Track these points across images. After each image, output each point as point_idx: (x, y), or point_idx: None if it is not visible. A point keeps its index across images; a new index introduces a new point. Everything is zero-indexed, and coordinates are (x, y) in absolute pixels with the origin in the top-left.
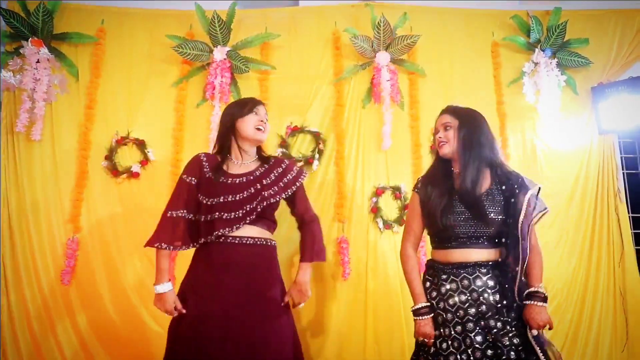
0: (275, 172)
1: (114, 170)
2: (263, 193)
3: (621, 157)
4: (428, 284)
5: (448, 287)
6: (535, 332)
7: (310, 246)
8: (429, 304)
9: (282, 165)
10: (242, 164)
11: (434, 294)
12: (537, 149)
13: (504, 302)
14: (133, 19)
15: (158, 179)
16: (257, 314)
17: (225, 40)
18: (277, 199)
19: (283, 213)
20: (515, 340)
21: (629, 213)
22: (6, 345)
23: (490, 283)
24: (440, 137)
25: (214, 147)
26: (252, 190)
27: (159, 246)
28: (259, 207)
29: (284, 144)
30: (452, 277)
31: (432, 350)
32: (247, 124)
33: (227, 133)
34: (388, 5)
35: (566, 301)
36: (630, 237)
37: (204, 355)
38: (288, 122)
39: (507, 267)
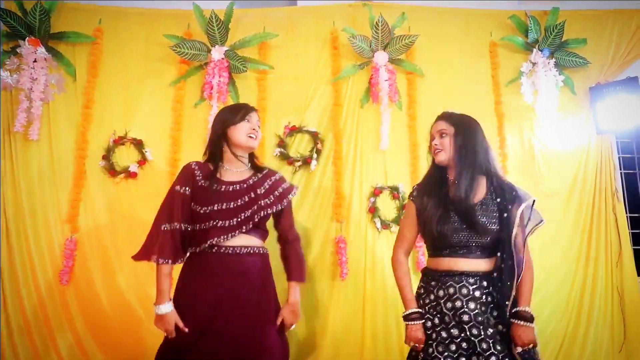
0: (268, 181)
1: (112, 170)
2: (259, 202)
3: (619, 157)
4: (422, 290)
5: (437, 294)
6: (519, 349)
7: (299, 266)
8: (419, 309)
9: (275, 176)
10: (235, 171)
11: (427, 300)
12: (535, 149)
13: (494, 313)
14: (130, 19)
15: (156, 178)
16: (251, 325)
17: (223, 39)
18: (274, 209)
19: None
20: (498, 347)
21: (626, 213)
22: (4, 345)
23: (477, 293)
24: (435, 145)
25: (204, 153)
26: (247, 199)
27: (164, 262)
28: (255, 216)
29: (282, 144)
30: (440, 284)
31: (420, 356)
32: (239, 132)
33: (219, 140)
34: (386, 5)
35: (564, 301)
36: (627, 236)
37: None
38: (286, 121)
39: (499, 280)
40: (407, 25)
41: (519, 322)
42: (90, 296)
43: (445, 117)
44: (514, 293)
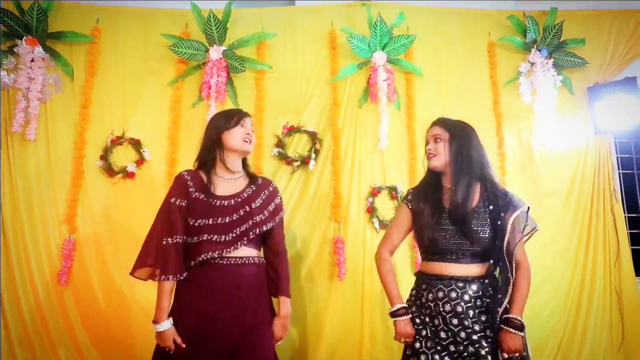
0: (263, 194)
1: (110, 170)
2: (255, 218)
3: (617, 157)
4: (414, 292)
5: (427, 297)
6: (505, 355)
7: (288, 281)
8: (405, 305)
9: (270, 187)
10: (228, 179)
11: (418, 302)
12: (534, 149)
13: (482, 317)
14: (128, 18)
15: (154, 179)
16: (248, 335)
17: (221, 39)
18: (269, 226)
19: None
20: (483, 351)
21: (624, 213)
22: (2, 344)
23: (465, 297)
24: (430, 149)
25: (196, 160)
26: (242, 213)
27: (167, 278)
28: (251, 233)
29: (280, 144)
30: (430, 287)
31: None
32: (233, 136)
33: (213, 146)
34: (384, 5)
35: (562, 301)
36: (626, 236)
37: None
38: (284, 121)
39: (490, 285)
40: (406, 25)
41: (508, 329)
42: (88, 296)
43: (440, 122)
44: (507, 300)
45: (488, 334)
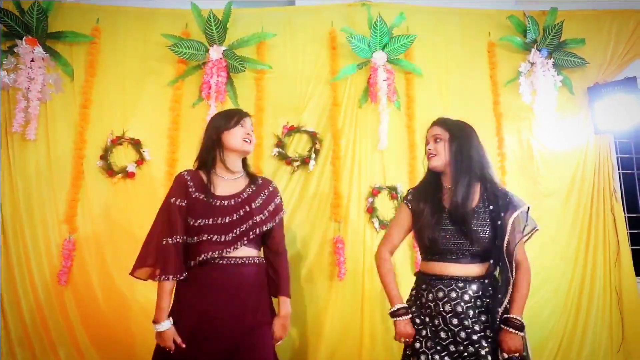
0: (263, 194)
1: (110, 170)
2: (255, 218)
3: (617, 157)
4: (414, 292)
5: (427, 297)
6: (505, 355)
7: (288, 281)
8: (405, 305)
9: (270, 187)
10: (228, 179)
11: (418, 302)
12: (534, 149)
13: (482, 317)
14: (128, 18)
15: (154, 179)
16: (248, 335)
17: (221, 39)
18: (269, 226)
19: None
20: (483, 352)
21: (624, 213)
22: (2, 344)
23: (465, 297)
24: (429, 149)
25: (195, 161)
26: (242, 213)
27: (167, 278)
28: (251, 233)
29: (280, 144)
30: (430, 287)
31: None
32: (233, 136)
33: (213, 146)
34: (384, 5)
35: (562, 301)
36: (626, 236)
37: None
38: (284, 121)
39: (490, 285)
40: (406, 25)
41: (508, 329)
42: (88, 296)
43: (440, 122)
44: (507, 300)
45: (488, 334)
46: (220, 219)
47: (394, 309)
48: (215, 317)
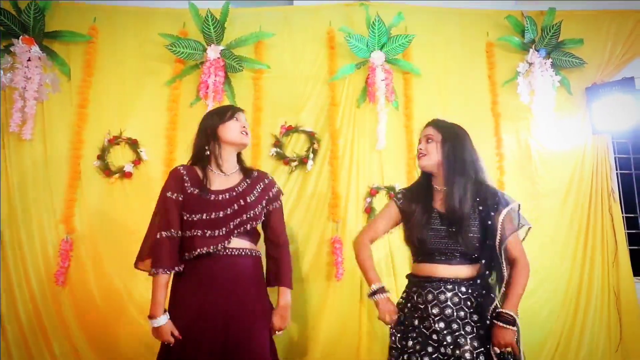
0: (258, 187)
1: (107, 170)
2: (249, 212)
3: (615, 158)
4: (405, 294)
5: (417, 300)
6: (497, 350)
7: (289, 272)
8: (383, 284)
9: (265, 180)
10: (223, 175)
11: (408, 304)
12: (532, 149)
13: (474, 317)
14: (125, 17)
15: (151, 179)
16: (244, 327)
17: (219, 38)
18: (263, 219)
19: None
20: (475, 344)
21: (622, 213)
22: None
23: (455, 299)
24: (420, 149)
25: (190, 159)
26: (236, 207)
27: (163, 272)
28: (244, 226)
29: (278, 144)
30: (419, 290)
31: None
32: (230, 129)
33: (208, 141)
34: (383, 5)
35: (561, 301)
36: (624, 236)
37: None
38: (282, 121)
39: (482, 286)
40: (404, 25)
41: (499, 323)
42: (84, 297)
43: (434, 123)
44: (499, 298)
45: (481, 333)
46: (214, 213)
47: (373, 289)
48: (212, 309)
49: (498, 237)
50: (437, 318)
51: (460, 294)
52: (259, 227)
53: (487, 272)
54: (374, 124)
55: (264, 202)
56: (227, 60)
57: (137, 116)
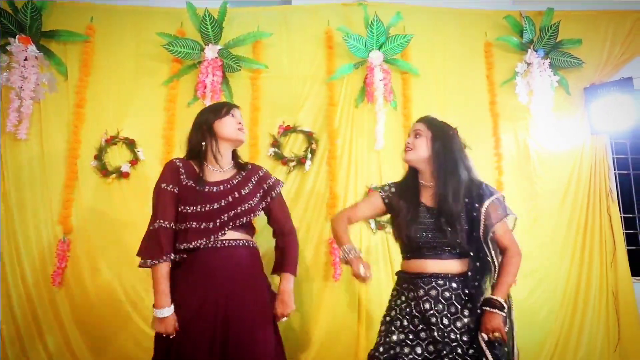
0: (252, 180)
1: (104, 170)
2: (244, 205)
3: (613, 158)
4: (395, 292)
5: (408, 295)
6: (485, 336)
7: (294, 259)
8: (354, 245)
9: (260, 172)
10: (218, 170)
11: (398, 301)
12: (530, 149)
13: (465, 312)
14: (123, 17)
15: (148, 178)
16: (244, 318)
17: (217, 38)
18: (257, 213)
19: None
20: (465, 338)
21: (620, 213)
22: None
23: (446, 294)
24: (408, 143)
25: (186, 153)
26: (230, 199)
27: (164, 259)
28: (239, 220)
29: (276, 144)
30: (410, 286)
31: (383, 353)
32: (226, 125)
33: (204, 136)
34: (381, 5)
35: (559, 301)
36: (622, 237)
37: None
38: (280, 121)
39: (474, 279)
40: (402, 24)
41: (487, 308)
42: (80, 297)
43: (424, 120)
44: (487, 285)
45: (472, 327)
46: (208, 205)
47: (345, 248)
48: (210, 302)
49: (482, 227)
50: (429, 313)
51: (451, 289)
52: (255, 222)
53: (477, 264)
54: (372, 124)
55: (259, 195)
56: (224, 60)
57: (135, 116)
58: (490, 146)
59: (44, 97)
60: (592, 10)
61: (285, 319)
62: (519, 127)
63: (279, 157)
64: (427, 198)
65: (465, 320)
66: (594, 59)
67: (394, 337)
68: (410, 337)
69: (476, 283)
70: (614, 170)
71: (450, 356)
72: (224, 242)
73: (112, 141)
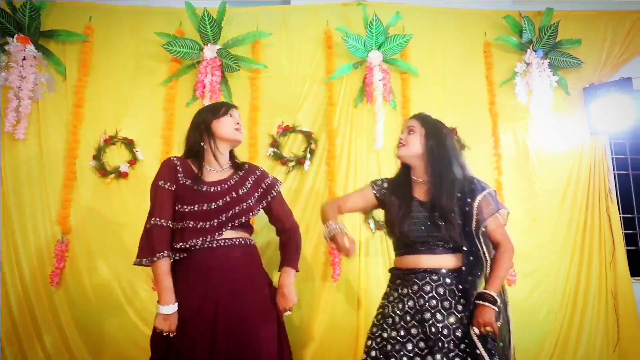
0: (250, 179)
1: (102, 170)
2: (241, 205)
3: (612, 158)
4: (388, 289)
5: (401, 291)
6: (477, 330)
7: (294, 254)
8: (338, 223)
9: (257, 172)
10: (215, 170)
11: (391, 297)
12: (530, 149)
13: (458, 307)
14: (121, 16)
15: (147, 178)
16: (244, 316)
17: (216, 38)
18: (255, 212)
19: None
20: (458, 334)
21: (619, 213)
22: None
23: (440, 290)
24: (400, 138)
25: (184, 152)
26: (228, 199)
27: (163, 255)
28: (237, 220)
29: (275, 144)
30: (404, 282)
31: (373, 354)
32: (224, 125)
33: (201, 136)
34: (380, 5)
35: (559, 301)
36: (621, 237)
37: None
38: (279, 121)
39: (469, 273)
40: (402, 24)
41: (479, 302)
42: (78, 297)
43: (418, 116)
44: (481, 280)
45: (465, 322)
46: (205, 205)
47: (330, 224)
48: (209, 301)
49: (474, 222)
50: (423, 308)
51: (445, 285)
52: (254, 222)
53: (471, 259)
54: (371, 124)
55: (256, 194)
56: (224, 59)
57: (133, 116)
58: (489, 146)
59: (43, 96)
60: (592, 11)
61: (288, 312)
62: (518, 127)
63: (278, 157)
64: (420, 193)
65: (459, 315)
66: (593, 59)
67: (385, 335)
68: (402, 333)
69: (470, 278)
70: (613, 170)
71: (442, 352)
72: (220, 241)
73: (110, 141)
